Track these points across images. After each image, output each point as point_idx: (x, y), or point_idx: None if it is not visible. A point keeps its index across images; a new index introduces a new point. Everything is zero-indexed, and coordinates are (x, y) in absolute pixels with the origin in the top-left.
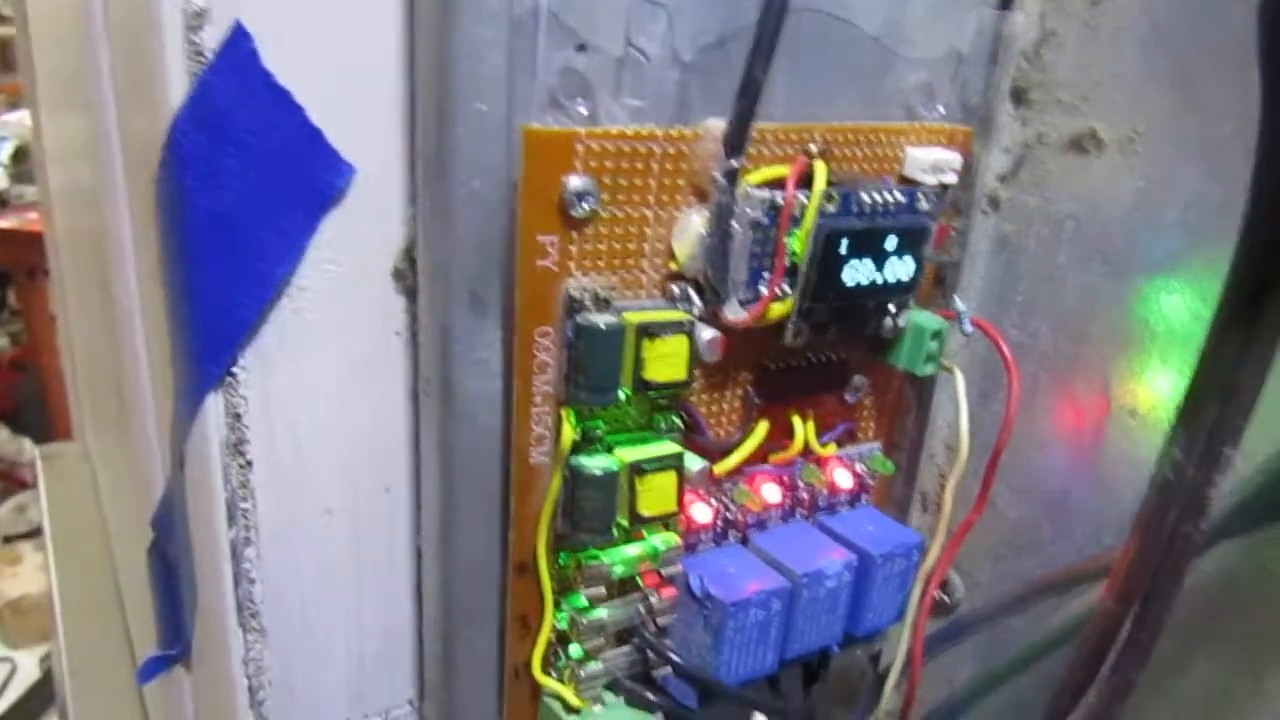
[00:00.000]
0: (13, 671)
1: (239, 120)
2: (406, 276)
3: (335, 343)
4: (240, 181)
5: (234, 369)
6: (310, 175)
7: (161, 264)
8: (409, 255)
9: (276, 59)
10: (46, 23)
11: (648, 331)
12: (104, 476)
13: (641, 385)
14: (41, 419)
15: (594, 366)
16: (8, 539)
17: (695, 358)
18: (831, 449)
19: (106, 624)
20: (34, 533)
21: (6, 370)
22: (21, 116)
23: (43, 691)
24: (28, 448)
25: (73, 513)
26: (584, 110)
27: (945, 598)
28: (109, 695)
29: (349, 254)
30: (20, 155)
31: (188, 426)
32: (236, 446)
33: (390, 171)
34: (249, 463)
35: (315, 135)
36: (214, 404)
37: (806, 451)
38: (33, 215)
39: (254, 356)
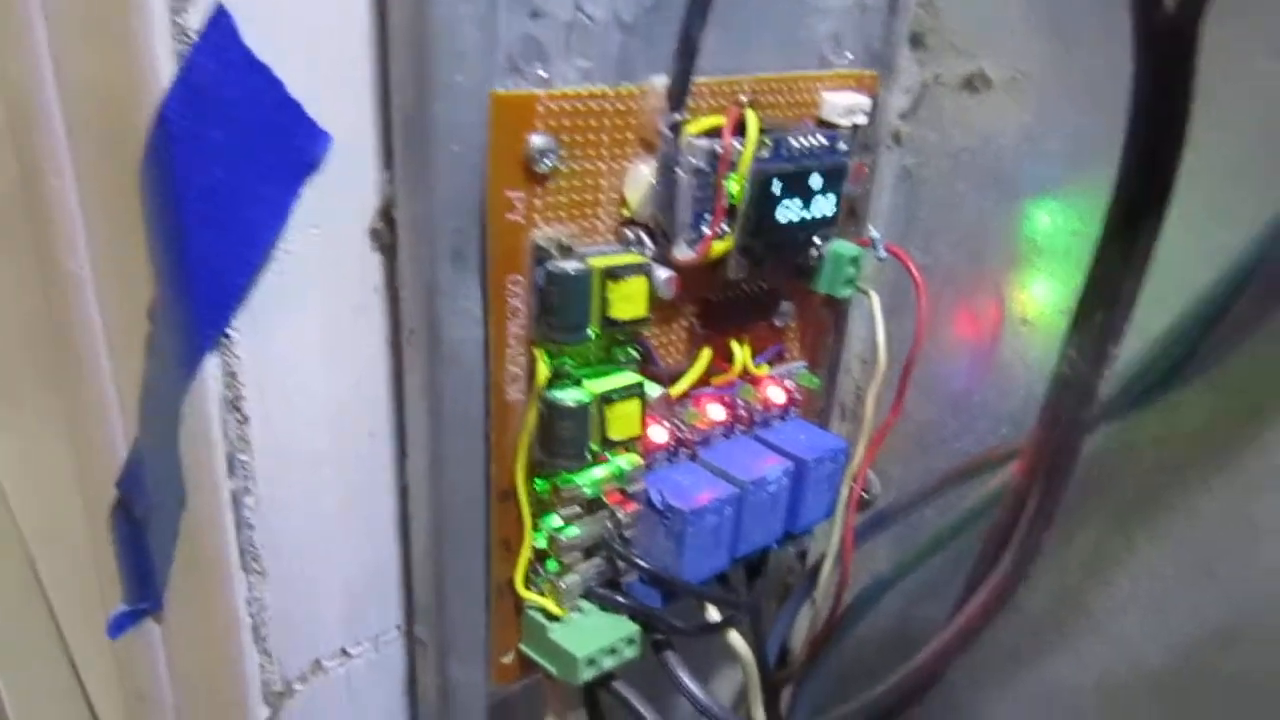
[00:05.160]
0: None
1: (223, 96)
2: (383, 236)
3: (320, 302)
4: (227, 155)
5: (228, 331)
6: (291, 146)
7: (150, 235)
8: (385, 216)
9: (254, 36)
10: None
11: (612, 274)
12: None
13: (608, 323)
14: None
15: (566, 309)
16: None
17: (653, 296)
18: (765, 369)
19: (24, 590)
20: None
21: None
22: None
23: None
24: None
25: None
26: (542, 73)
27: (865, 495)
28: (38, 658)
29: (329, 218)
30: None
31: (184, 388)
32: (233, 403)
33: (363, 138)
34: (245, 418)
35: (294, 107)
36: (211, 365)
37: (744, 373)
38: None
39: (246, 318)
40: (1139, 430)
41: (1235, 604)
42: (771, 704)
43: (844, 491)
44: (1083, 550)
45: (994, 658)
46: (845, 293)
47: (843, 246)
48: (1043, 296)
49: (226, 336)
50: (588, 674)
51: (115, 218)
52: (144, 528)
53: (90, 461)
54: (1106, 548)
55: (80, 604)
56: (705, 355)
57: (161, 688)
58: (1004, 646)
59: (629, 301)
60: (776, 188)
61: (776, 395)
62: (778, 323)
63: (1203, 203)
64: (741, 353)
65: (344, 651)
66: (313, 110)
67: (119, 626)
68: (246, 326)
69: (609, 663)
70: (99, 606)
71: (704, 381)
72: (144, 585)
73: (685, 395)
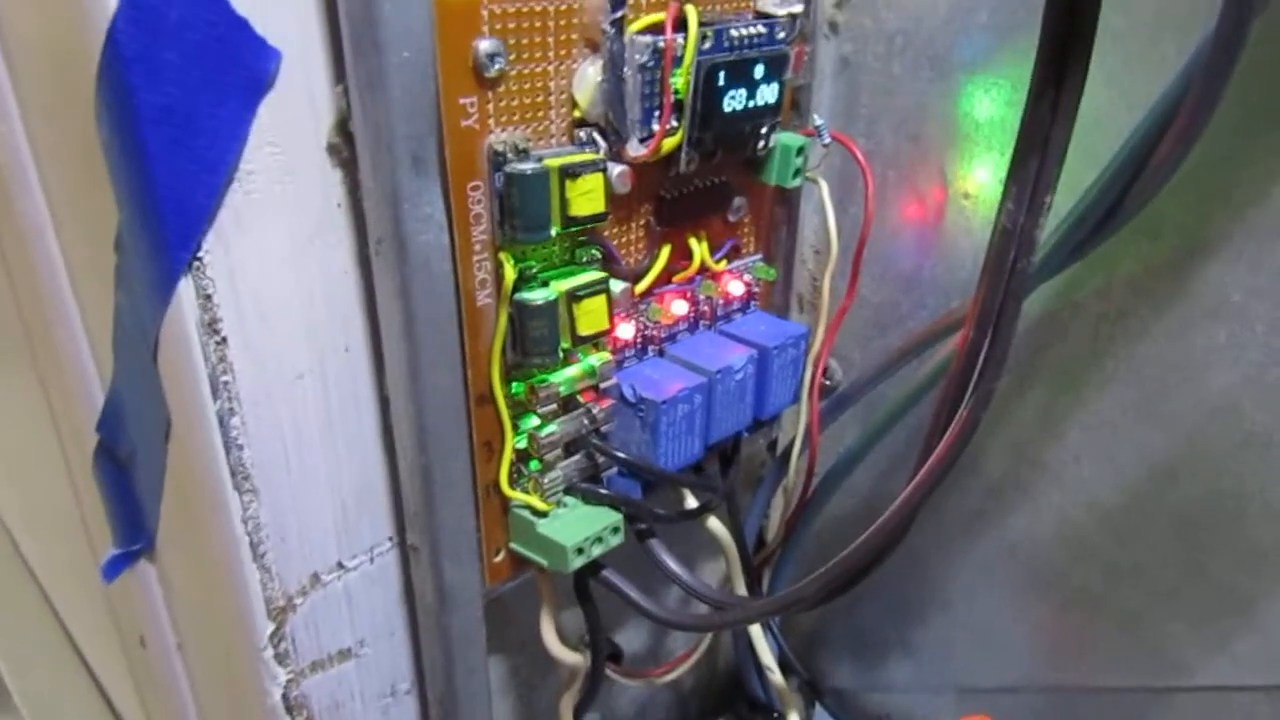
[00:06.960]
0: None
1: (171, 16)
2: (341, 150)
3: (286, 220)
4: (180, 74)
5: (199, 254)
6: (242, 63)
7: (110, 163)
8: (341, 130)
9: None
10: None
11: (569, 172)
12: None
13: (569, 221)
14: None
15: (527, 209)
16: None
17: (610, 192)
18: (723, 264)
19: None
20: None
21: None
22: None
23: None
24: None
25: None
26: None
27: (828, 381)
28: (25, 620)
29: (287, 135)
30: None
31: (160, 314)
32: (211, 325)
33: (312, 53)
34: (224, 339)
35: (241, 25)
36: (185, 288)
37: (703, 269)
38: None
39: (215, 240)
40: (1082, 286)
41: (1175, 439)
42: (752, 585)
43: (807, 375)
44: (1036, 409)
45: (957, 521)
46: (794, 183)
47: (789, 137)
48: (983, 168)
49: (198, 259)
50: (577, 562)
51: (68, 153)
52: (129, 468)
53: (66, 409)
54: (1058, 403)
55: (63, 560)
56: (665, 252)
57: (161, 626)
58: (966, 509)
59: (587, 198)
60: (721, 78)
61: (736, 288)
62: (732, 218)
63: (1122, 57)
64: (699, 249)
65: (340, 565)
66: (261, 28)
67: (114, 569)
68: (216, 248)
69: (596, 550)
70: (85, 558)
71: (666, 279)
72: (134, 525)
73: (649, 293)
